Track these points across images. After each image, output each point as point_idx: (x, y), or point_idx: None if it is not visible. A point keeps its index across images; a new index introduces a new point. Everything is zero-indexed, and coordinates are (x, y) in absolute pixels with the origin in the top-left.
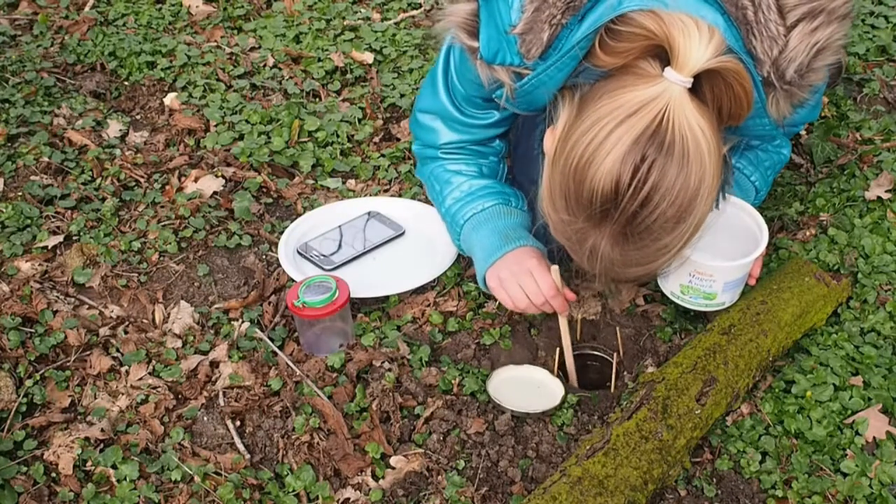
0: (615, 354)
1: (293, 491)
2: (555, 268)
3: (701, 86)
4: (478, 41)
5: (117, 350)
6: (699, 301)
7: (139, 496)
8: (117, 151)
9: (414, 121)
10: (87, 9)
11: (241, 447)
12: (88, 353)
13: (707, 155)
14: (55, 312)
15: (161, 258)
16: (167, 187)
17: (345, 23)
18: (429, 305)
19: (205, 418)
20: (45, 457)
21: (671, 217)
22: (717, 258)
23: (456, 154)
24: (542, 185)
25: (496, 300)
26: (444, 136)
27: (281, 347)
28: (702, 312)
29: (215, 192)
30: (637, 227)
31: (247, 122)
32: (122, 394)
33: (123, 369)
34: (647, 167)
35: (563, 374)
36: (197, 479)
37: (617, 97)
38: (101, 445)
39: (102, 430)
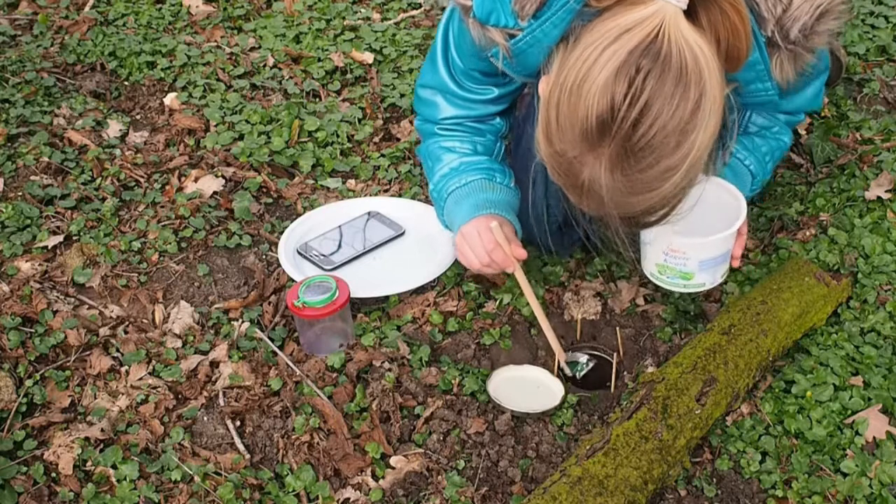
0: (615, 354)
1: (293, 491)
2: (494, 224)
3: (697, 14)
4: (472, 0)
5: (117, 350)
6: (677, 281)
7: (139, 496)
8: (117, 151)
9: (416, 96)
10: (87, 9)
11: (241, 447)
12: (88, 353)
13: (706, 70)
14: (55, 312)
15: (161, 258)
16: (167, 187)
17: (345, 23)
18: (429, 305)
19: (205, 418)
20: (45, 457)
21: (672, 131)
22: (694, 235)
23: (453, 130)
24: (537, 129)
25: (495, 300)
26: (444, 111)
27: (281, 347)
28: (701, 314)
29: (215, 192)
30: (637, 144)
31: (247, 122)
32: (122, 394)
33: (123, 369)
34: (643, 77)
35: (562, 375)
36: (197, 479)
37: (609, 22)
38: (101, 445)
39: (102, 430)
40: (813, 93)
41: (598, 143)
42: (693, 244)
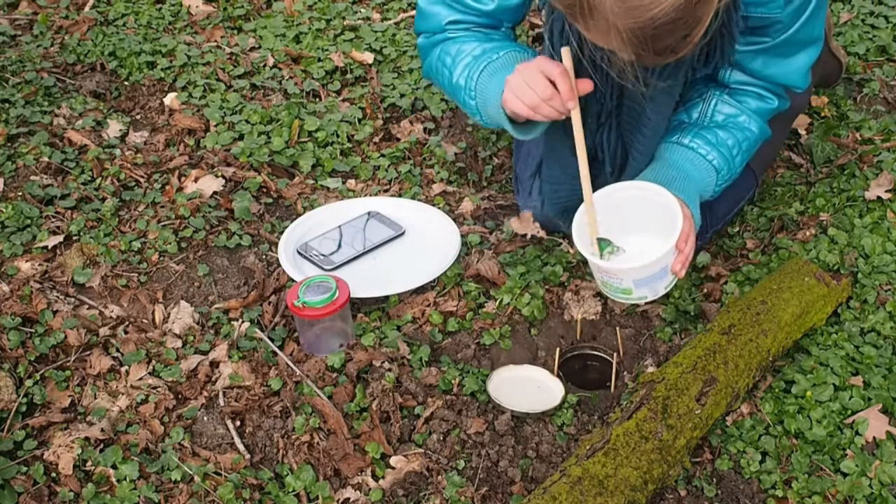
0: (615, 354)
1: (293, 491)
2: (565, 49)
3: None
4: None
5: (117, 350)
6: (620, 296)
7: (139, 496)
8: (117, 151)
9: (418, 14)
10: (87, 9)
11: (241, 447)
12: (88, 353)
13: None
14: (55, 312)
15: (161, 258)
16: (167, 187)
17: (345, 23)
18: (429, 305)
19: (205, 418)
20: (45, 457)
21: None
22: (638, 243)
23: (463, 34)
24: None
25: (495, 300)
26: (448, 17)
27: (281, 347)
28: (701, 314)
29: (215, 192)
30: None
31: (247, 122)
32: (122, 394)
33: (123, 369)
34: None
35: (561, 374)
36: (197, 479)
37: None
38: (101, 445)
39: (102, 430)
40: (800, 66)
41: None
42: (621, 269)
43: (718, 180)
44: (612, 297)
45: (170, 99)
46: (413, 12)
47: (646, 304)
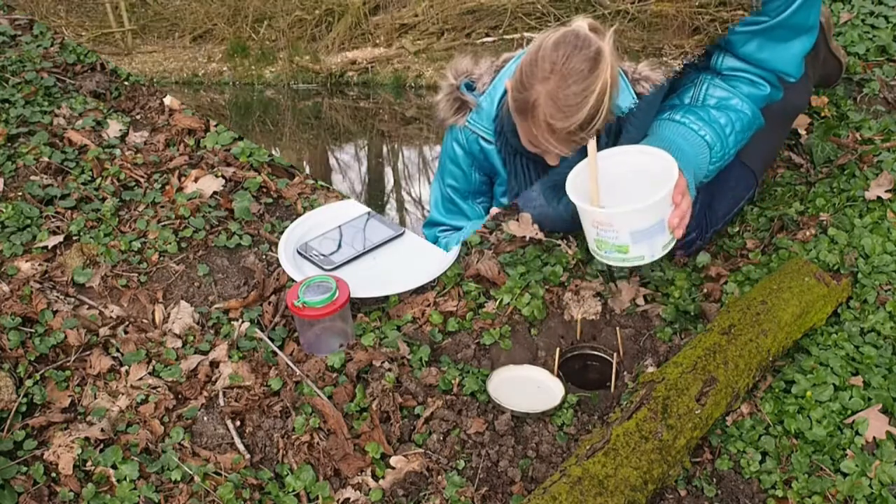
0: (615, 354)
1: (293, 491)
2: (591, 140)
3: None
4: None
5: (117, 350)
6: (615, 255)
7: (139, 496)
8: (117, 151)
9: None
10: None
11: (241, 447)
12: (88, 353)
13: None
14: (55, 312)
15: (161, 258)
16: (167, 187)
17: None
18: (429, 305)
19: (205, 418)
20: (45, 457)
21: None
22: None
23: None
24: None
25: (495, 300)
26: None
27: (281, 347)
28: (701, 314)
29: (215, 192)
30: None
31: None
32: (122, 394)
33: (123, 369)
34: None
35: (561, 374)
36: (197, 479)
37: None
38: (101, 445)
39: (102, 430)
40: (794, 54)
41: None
42: (615, 214)
43: (712, 157)
44: (607, 262)
45: (170, 99)
46: None
47: (643, 273)
